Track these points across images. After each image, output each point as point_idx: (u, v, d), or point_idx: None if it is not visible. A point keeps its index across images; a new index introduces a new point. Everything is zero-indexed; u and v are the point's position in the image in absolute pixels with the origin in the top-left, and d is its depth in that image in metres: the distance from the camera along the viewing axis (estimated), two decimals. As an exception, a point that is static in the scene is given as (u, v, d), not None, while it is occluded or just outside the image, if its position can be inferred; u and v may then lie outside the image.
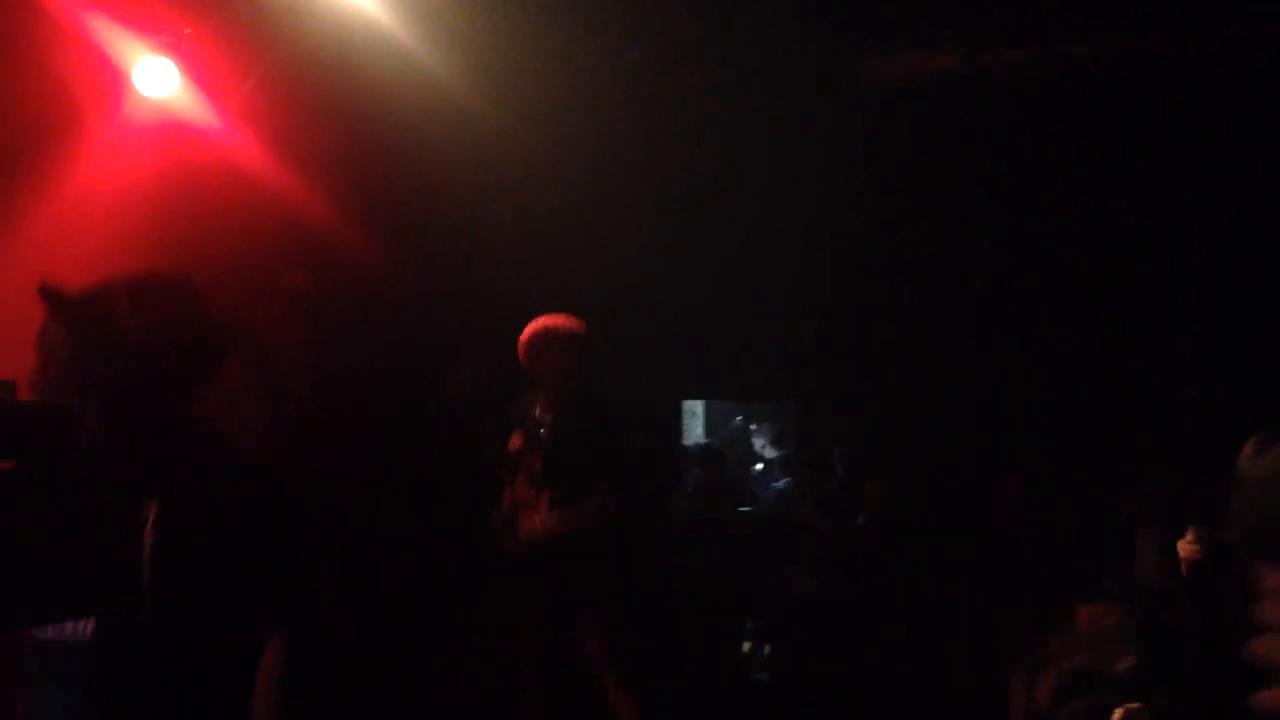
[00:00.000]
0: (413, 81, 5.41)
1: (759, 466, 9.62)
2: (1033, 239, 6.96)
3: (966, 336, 7.30)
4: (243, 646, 2.19)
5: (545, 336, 4.82)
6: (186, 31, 4.99)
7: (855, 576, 6.60)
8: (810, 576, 6.79)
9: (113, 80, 4.97)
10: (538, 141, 5.99)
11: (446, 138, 5.70)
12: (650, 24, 5.58)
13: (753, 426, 10.30)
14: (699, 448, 8.54)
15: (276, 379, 6.01)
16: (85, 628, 2.08)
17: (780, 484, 8.79)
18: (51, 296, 2.15)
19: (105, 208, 4.84)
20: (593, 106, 6.00)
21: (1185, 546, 3.46)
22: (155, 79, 4.97)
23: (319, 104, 5.52)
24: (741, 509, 7.66)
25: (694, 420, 10.35)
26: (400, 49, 5.29)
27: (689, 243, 7.03)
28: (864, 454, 7.83)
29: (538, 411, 4.85)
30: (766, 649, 6.90)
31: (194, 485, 2.04)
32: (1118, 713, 3.55)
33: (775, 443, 9.71)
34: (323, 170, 5.61)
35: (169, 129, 5.16)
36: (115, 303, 2.17)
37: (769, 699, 6.51)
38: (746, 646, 6.93)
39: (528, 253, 6.38)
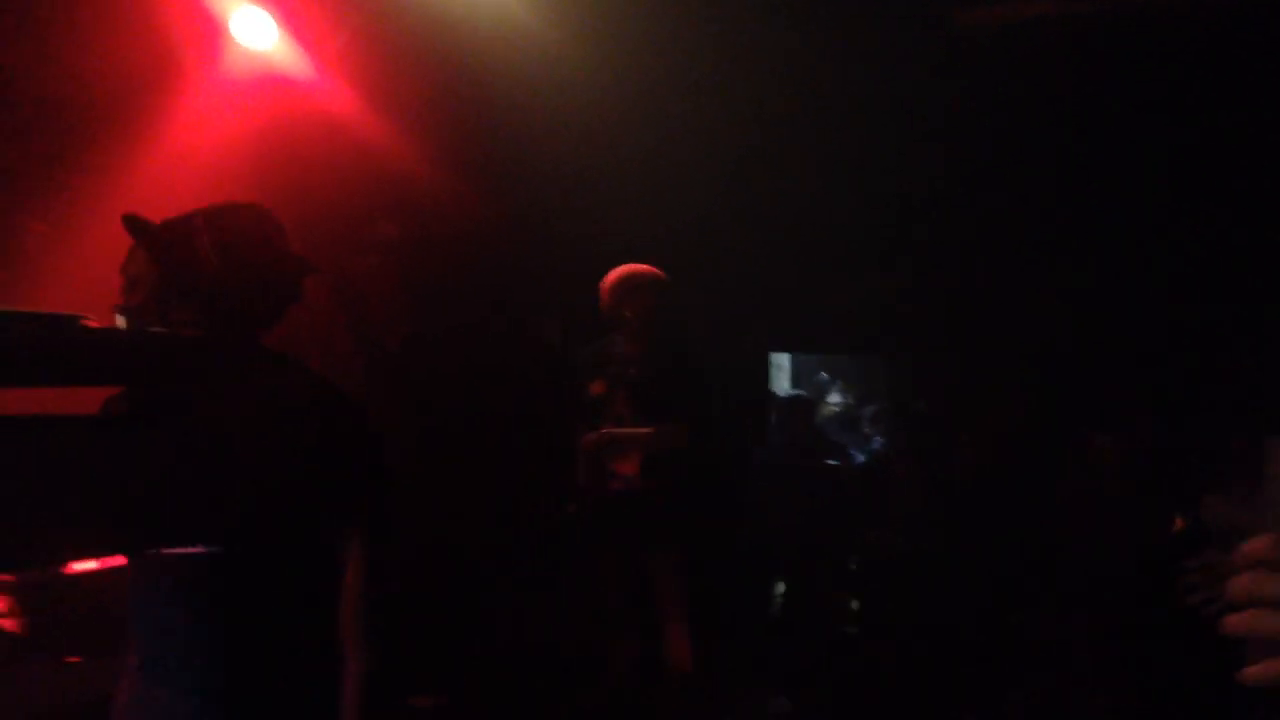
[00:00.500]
0: (505, 31, 5.40)
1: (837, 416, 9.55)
2: (1128, 188, 6.81)
3: (1058, 289, 7.18)
4: (326, 561, 2.24)
5: (629, 280, 4.86)
6: (283, -19, 5.04)
7: (945, 530, 6.56)
8: (899, 530, 6.75)
9: (212, 32, 5.03)
10: (627, 93, 5.95)
11: (538, 88, 5.70)
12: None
13: (834, 380, 10.25)
14: (788, 398, 8.50)
15: (371, 328, 6.11)
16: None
17: (873, 440, 8.75)
18: (134, 225, 2.22)
19: (206, 160, 4.92)
20: (679, 55, 5.96)
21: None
22: (253, 30, 5.03)
23: (413, 54, 5.54)
24: (829, 461, 7.62)
25: (780, 374, 10.32)
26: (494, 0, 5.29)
27: (776, 195, 6.98)
28: (949, 407, 7.76)
29: (621, 353, 4.87)
30: (855, 603, 6.89)
31: (276, 405, 2.07)
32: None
33: (860, 396, 9.65)
34: (416, 121, 5.65)
35: (267, 80, 5.22)
36: (194, 228, 2.24)
37: (856, 653, 6.51)
38: (835, 599, 6.92)
39: (617, 205, 6.37)
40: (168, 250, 2.22)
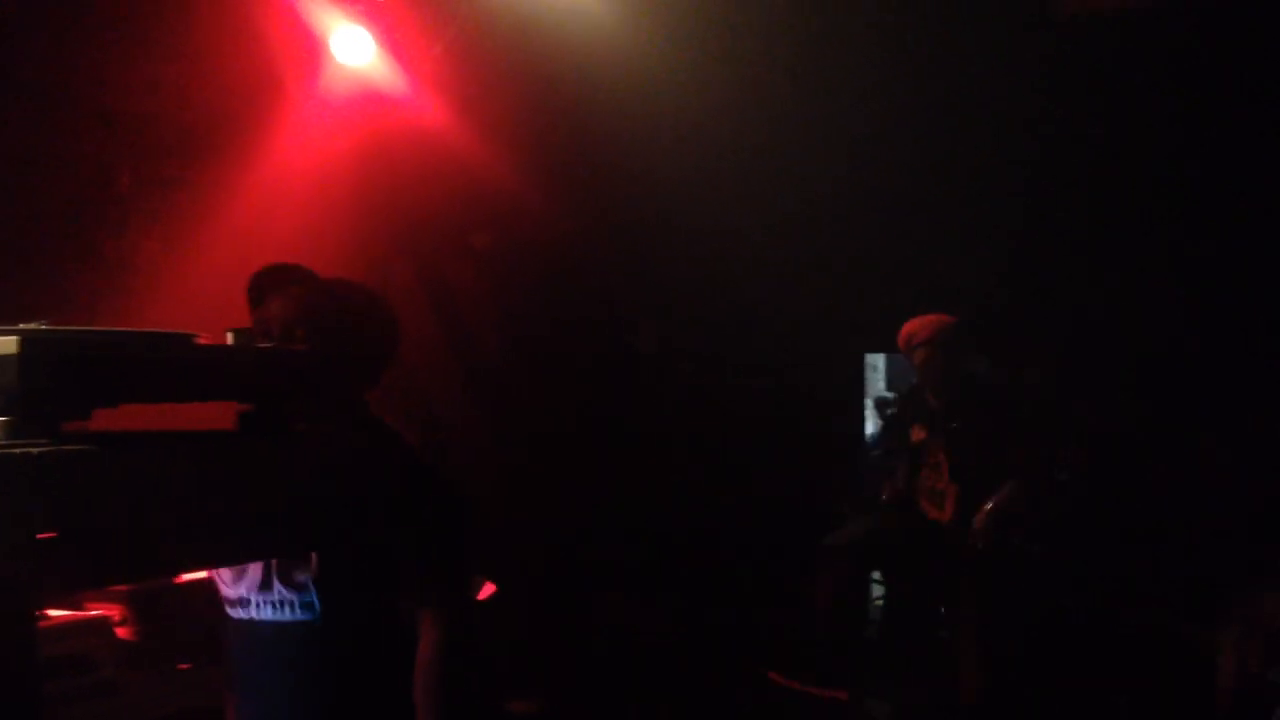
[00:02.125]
0: (595, 43, 5.44)
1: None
2: (1235, 184, 6.63)
3: (1159, 294, 7.02)
4: (401, 630, 2.30)
5: (941, 332, 4.95)
6: (380, 0, 5.12)
7: (1051, 535, 6.44)
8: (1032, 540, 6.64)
9: (312, 50, 5.13)
10: (719, 100, 5.95)
11: (629, 97, 5.72)
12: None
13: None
14: (882, 400, 8.42)
15: (467, 335, 6.18)
16: (267, 613, 2.27)
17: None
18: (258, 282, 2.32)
19: (307, 174, 5.02)
20: (773, 62, 5.94)
21: None
22: (352, 47, 5.12)
23: (505, 68, 5.60)
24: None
25: (875, 375, 10.23)
26: (587, 12, 5.32)
27: (871, 195, 6.92)
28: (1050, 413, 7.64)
29: (932, 405, 4.99)
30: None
31: (363, 470, 2.10)
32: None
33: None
34: (510, 133, 5.70)
35: (365, 96, 5.31)
36: (320, 289, 2.39)
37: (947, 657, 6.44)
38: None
39: (708, 211, 6.37)
40: (306, 306, 2.33)
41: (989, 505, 4.82)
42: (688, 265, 5.77)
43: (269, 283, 2.52)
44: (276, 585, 2.23)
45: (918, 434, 4.99)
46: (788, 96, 6.03)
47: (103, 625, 2.98)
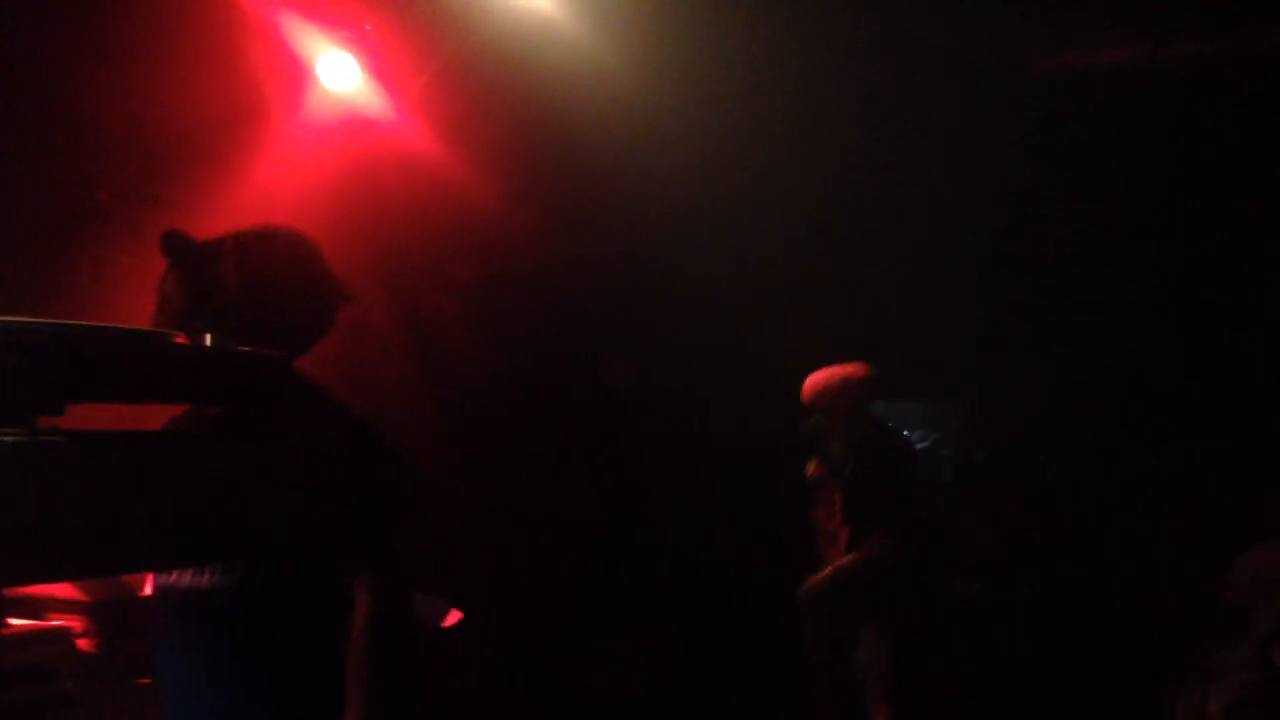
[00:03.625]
0: (583, 73, 5.47)
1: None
2: (1210, 238, 6.71)
3: (1138, 341, 7.08)
4: (332, 597, 2.20)
5: (843, 382, 5.04)
6: (367, 27, 5.14)
7: (1017, 580, 6.47)
8: (970, 579, 6.67)
9: (298, 75, 5.14)
10: (706, 135, 5.99)
11: (616, 130, 5.75)
12: (821, 18, 5.55)
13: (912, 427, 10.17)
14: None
15: (445, 367, 6.16)
16: (186, 578, 2.17)
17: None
18: (169, 242, 2.22)
19: (288, 198, 5.02)
20: (762, 101, 5.98)
21: None
22: (337, 73, 5.13)
23: (492, 97, 5.63)
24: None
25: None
26: (571, 40, 5.36)
27: (854, 237, 6.97)
28: (1019, 455, 7.69)
29: (833, 446, 5.05)
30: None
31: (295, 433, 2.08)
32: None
33: (937, 442, 9.58)
34: (494, 162, 5.73)
35: (350, 122, 5.32)
36: (224, 251, 2.23)
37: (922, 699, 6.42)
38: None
39: (694, 247, 6.40)
40: (195, 270, 2.20)
41: (826, 571, 4.94)
42: (669, 298, 5.78)
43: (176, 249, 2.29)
44: None
45: (814, 469, 5.09)
46: (775, 132, 6.08)
47: (63, 636, 2.95)
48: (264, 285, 2.21)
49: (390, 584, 2.20)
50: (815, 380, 5.06)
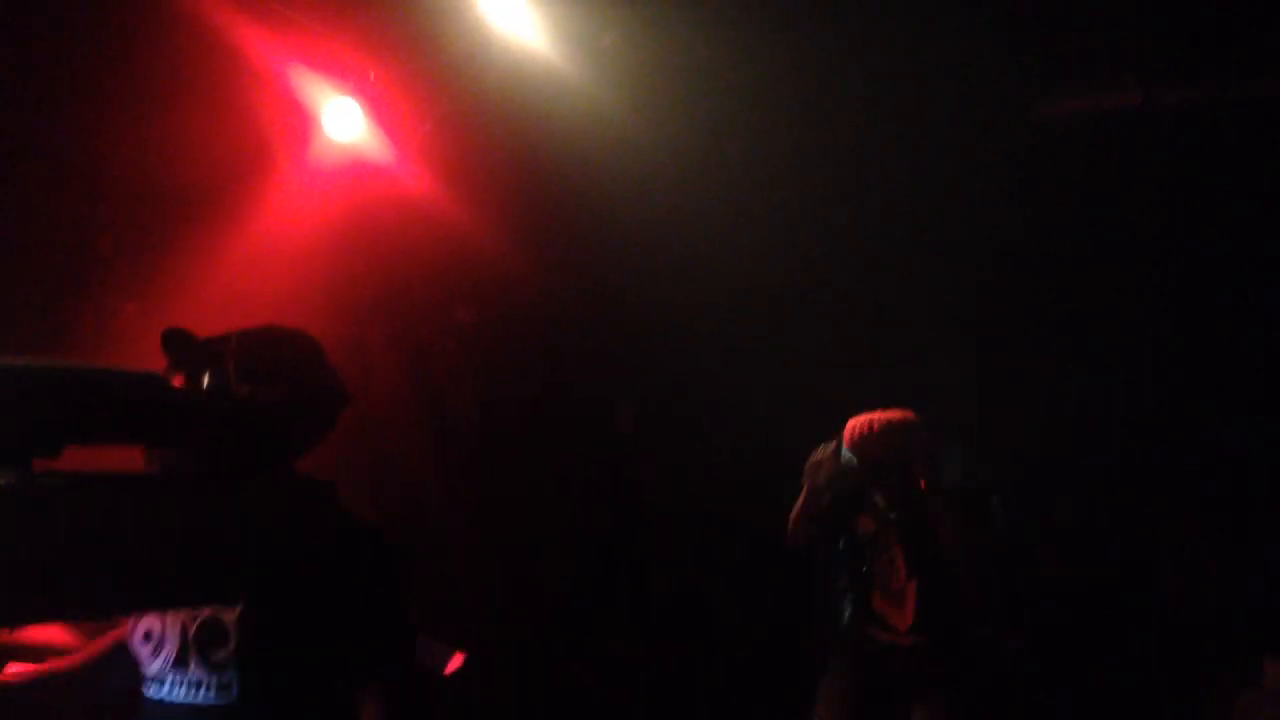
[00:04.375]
0: (584, 120, 5.51)
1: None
2: (1206, 279, 6.72)
3: (1136, 378, 7.08)
4: (333, 712, 2.17)
5: (891, 428, 4.75)
6: (371, 75, 5.19)
7: (1026, 627, 6.42)
8: (978, 624, 6.61)
9: (303, 122, 5.19)
10: (705, 176, 6.03)
11: (616, 174, 5.79)
12: (817, 58, 5.59)
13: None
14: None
15: (448, 412, 6.18)
16: (180, 693, 2.14)
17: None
18: (171, 341, 2.13)
19: (293, 245, 5.06)
20: (761, 140, 6.02)
21: None
22: (342, 121, 5.18)
23: (494, 144, 5.67)
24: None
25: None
26: (573, 88, 5.40)
27: (850, 273, 6.98)
28: (1019, 497, 7.66)
29: (881, 500, 4.75)
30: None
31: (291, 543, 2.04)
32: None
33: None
34: (498, 209, 5.76)
35: (354, 169, 5.37)
36: (226, 351, 2.16)
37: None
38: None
39: (696, 293, 6.42)
40: (195, 371, 2.11)
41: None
42: (669, 335, 5.78)
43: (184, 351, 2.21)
44: (193, 664, 2.12)
45: (866, 525, 4.75)
46: (774, 173, 6.11)
47: (63, 681, 2.93)
48: (265, 388, 2.15)
49: (401, 693, 2.18)
50: (866, 422, 4.66)
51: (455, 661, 3.88)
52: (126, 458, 1.44)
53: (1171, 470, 6.64)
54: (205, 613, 2.15)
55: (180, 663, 2.13)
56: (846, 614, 4.75)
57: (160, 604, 1.89)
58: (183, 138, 4.68)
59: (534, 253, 6.08)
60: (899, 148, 6.12)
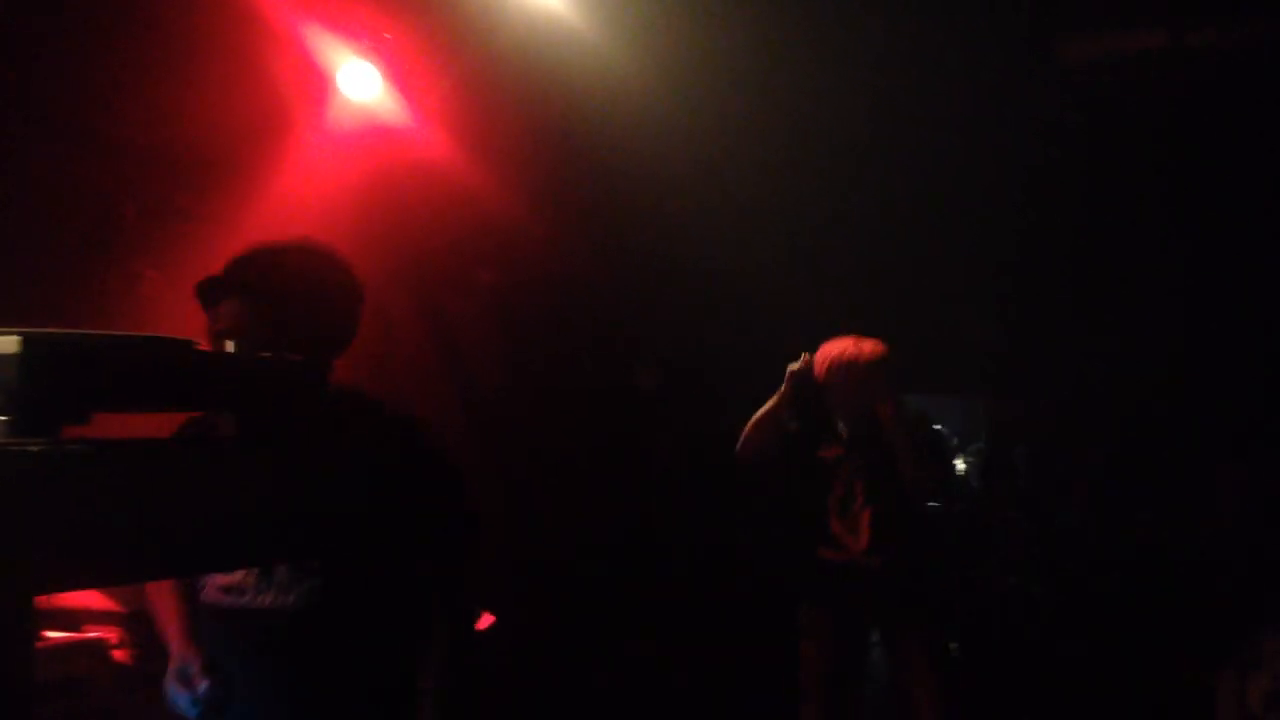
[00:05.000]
0: (601, 80, 5.48)
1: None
2: (1231, 229, 6.66)
3: (1164, 328, 7.04)
4: (407, 619, 2.24)
5: (860, 365, 4.73)
6: (387, 36, 5.16)
7: (1054, 575, 6.44)
8: (1006, 574, 6.63)
9: (319, 85, 5.17)
10: (721, 135, 5.99)
11: (634, 135, 5.76)
12: (836, 8, 5.53)
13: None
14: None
15: (470, 372, 6.19)
16: (266, 599, 2.19)
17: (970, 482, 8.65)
18: (230, 277, 2.28)
19: (312, 208, 5.04)
20: (779, 102, 5.98)
21: None
22: (358, 82, 5.16)
23: (512, 104, 5.64)
24: (931, 504, 7.52)
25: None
26: (589, 48, 5.37)
27: (876, 235, 6.95)
28: (1052, 449, 7.65)
29: (841, 428, 4.82)
30: (954, 645, 6.76)
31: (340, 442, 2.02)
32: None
33: (960, 437, 9.57)
34: (516, 169, 5.74)
35: (371, 131, 5.35)
36: (264, 270, 2.29)
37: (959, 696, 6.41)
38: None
39: (714, 247, 6.40)
40: (266, 297, 2.25)
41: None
42: (690, 299, 5.76)
43: (218, 285, 2.37)
44: (281, 568, 2.15)
45: (828, 453, 4.80)
46: (795, 131, 6.07)
47: (99, 648, 2.97)
48: (300, 296, 2.26)
49: (458, 604, 2.27)
50: (837, 353, 4.76)
51: (484, 621, 3.91)
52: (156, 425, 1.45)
53: (1195, 423, 6.62)
54: None
55: (265, 570, 2.16)
56: (804, 537, 4.82)
57: (196, 569, 1.91)
58: (201, 102, 4.67)
59: (555, 214, 6.06)
60: (922, 98, 6.07)
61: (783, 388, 4.74)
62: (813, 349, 4.85)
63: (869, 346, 4.75)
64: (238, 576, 2.20)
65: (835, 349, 4.77)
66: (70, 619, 2.98)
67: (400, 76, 5.29)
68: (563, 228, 6.16)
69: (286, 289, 2.24)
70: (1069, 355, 7.41)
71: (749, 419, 4.87)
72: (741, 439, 4.83)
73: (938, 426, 9.28)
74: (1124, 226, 6.86)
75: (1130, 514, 6.52)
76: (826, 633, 4.76)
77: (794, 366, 4.75)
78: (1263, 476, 5.56)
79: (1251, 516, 5.50)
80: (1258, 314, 6.68)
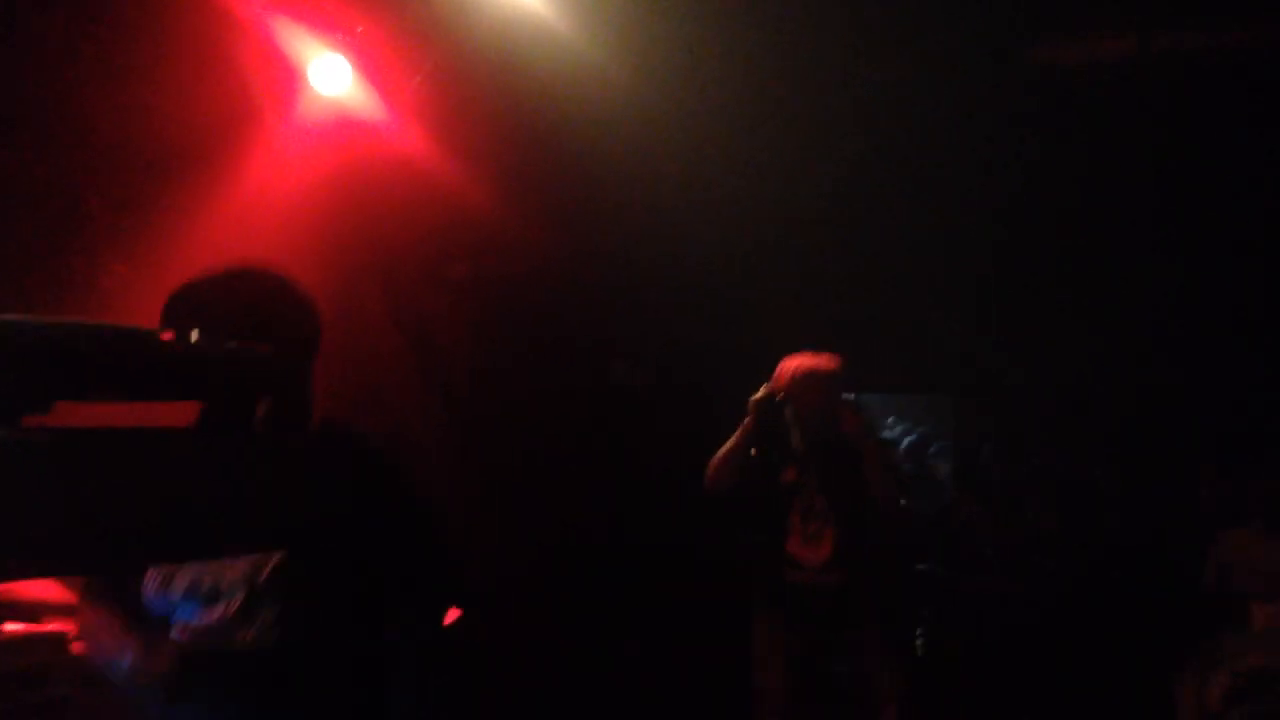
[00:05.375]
0: (575, 74, 5.47)
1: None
2: (1203, 231, 6.72)
3: (1137, 328, 7.09)
4: (378, 655, 2.21)
5: (827, 373, 4.82)
6: (359, 29, 5.13)
7: (1019, 572, 6.47)
8: (972, 571, 6.66)
9: (290, 78, 5.13)
10: (698, 132, 6.00)
11: (613, 130, 5.75)
12: (814, 16, 5.55)
13: (899, 419, 10.26)
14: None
15: (442, 368, 6.16)
16: (240, 637, 2.14)
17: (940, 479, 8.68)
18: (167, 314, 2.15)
19: (282, 203, 5.01)
20: (754, 97, 5.99)
21: None
22: (329, 76, 5.12)
23: (485, 98, 5.63)
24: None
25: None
26: (563, 42, 5.36)
27: (846, 233, 6.97)
28: (1016, 448, 7.70)
29: (800, 448, 4.86)
30: (919, 643, 6.80)
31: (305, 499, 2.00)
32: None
33: (925, 435, 9.61)
34: (490, 163, 5.72)
35: (342, 125, 5.32)
36: (199, 305, 2.17)
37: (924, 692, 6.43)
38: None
39: (689, 242, 6.40)
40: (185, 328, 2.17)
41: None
42: (667, 295, 5.75)
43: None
44: (265, 608, 2.12)
45: (788, 475, 4.87)
46: (776, 129, 6.08)
47: (58, 640, 2.93)
48: (237, 325, 2.12)
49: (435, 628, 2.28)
50: (795, 364, 4.85)
51: (450, 615, 3.88)
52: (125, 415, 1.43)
53: (1178, 422, 6.67)
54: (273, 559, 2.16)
55: (247, 611, 2.12)
56: (764, 560, 4.86)
57: (158, 558, 1.89)
58: (168, 94, 4.63)
59: (528, 209, 6.05)
60: (905, 97, 6.10)
61: (746, 420, 4.78)
62: (788, 348, 4.91)
63: (825, 358, 4.81)
64: (215, 615, 2.16)
65: (793, 362, 4.86)
66: (29, 611, 2.94)
67: (372, 70, 5.26)
68: (537, 223, 6.15)
69: (232, 324, 2.11)
70: (1037, 354, 7.45)
71: (731, 412, 4.92)
72: (709, 473, 4.89)
73: (919, 430, 9.34)
74: (1099, 227, 6.91)
75: (1098, 513, 6.56)
76: (780, 662, 4.79)
77: (756, 396, 4.78)
78: (1240, 476, 5.59)
79: (1227, 515, 5.53)
80: (1235, 314, 6.74)
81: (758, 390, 4.84)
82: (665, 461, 6.47)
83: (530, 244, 6.17)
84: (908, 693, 4.76)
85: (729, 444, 4.84)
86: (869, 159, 6.46)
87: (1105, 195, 6.74)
